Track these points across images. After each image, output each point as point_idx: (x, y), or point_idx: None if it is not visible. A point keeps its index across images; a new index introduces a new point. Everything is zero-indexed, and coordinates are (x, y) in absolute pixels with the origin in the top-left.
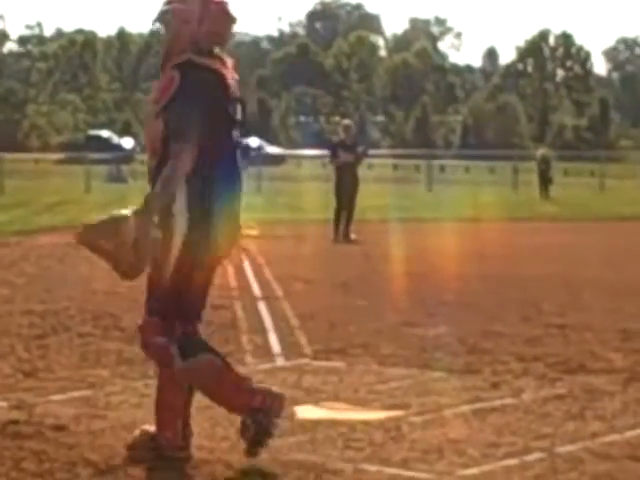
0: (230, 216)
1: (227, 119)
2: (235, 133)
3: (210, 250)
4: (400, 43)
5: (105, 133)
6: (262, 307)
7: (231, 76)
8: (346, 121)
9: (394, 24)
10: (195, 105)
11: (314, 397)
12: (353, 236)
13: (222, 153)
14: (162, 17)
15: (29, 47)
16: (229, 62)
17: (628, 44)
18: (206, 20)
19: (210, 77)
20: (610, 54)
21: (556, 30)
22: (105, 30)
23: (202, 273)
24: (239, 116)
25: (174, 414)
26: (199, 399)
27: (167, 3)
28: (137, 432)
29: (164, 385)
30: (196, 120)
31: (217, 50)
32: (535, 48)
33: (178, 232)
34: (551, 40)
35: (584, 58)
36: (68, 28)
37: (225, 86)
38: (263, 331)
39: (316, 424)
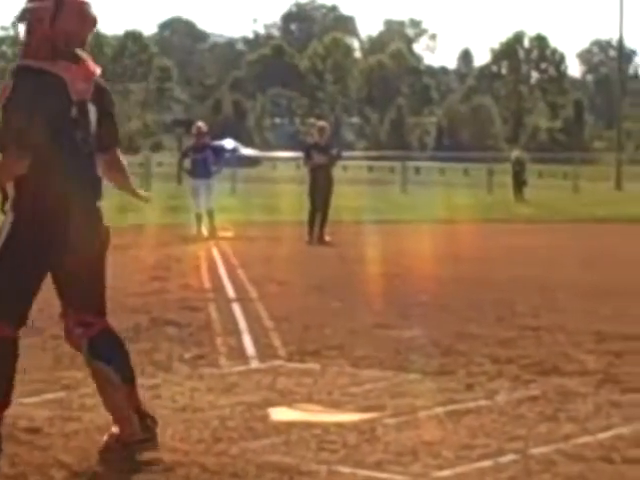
0: (74, 220)
1: (67, 122)
2: (80, 135)
3: (32, 253)
4: (375, 45)
5: None
6: (236, 309)
7: (82, 78)
8: (321, 123)
9: (369, 26)
10: (27, 111)
11: (288, 399)
12: (327, 238)
13: (60, 156)
14: (22, 16)
15: (3, 48)
16: (89, 63)
17: (602, 46)
18: (60, 19)
19: (47, 81)
20: (584, 56)
21: (531, 32)
22: None
23: (24, 277)
24: (92, 118)
25: (123, 410)
26: (174, 401)
27: (28, 1)
28: (106, 436)
29: (101, 386)
30: (27, 125)
31: (78, 51)
32: (510, 50)
33: (4, 230)
34: (526, 42)
35: (558, 60)
36: None
37: (65, 90)
38: (237, 333)
39: (290, 426)
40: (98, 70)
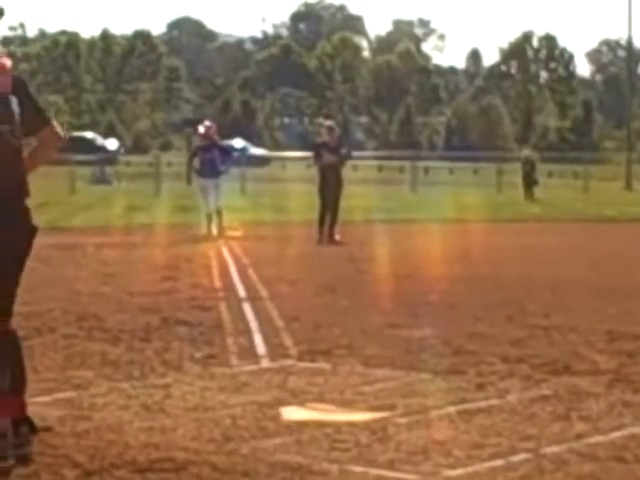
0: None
1: None
2: (6, 128)
3: None
4: (384, 44)
5: (89, 134)
6: (247, 308)
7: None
8: (329, 122)
9: (378, 25)
10: None
11: (299, 398)
12: (337, 237)
13: None
14: None
15: (12, 48)
16: (2, 58)
17: (611, 46)
18: None
19: None
20: (593, 56)
21: (539, 32)
22: (88, 31)
23: None
24: (15, 109)
25: None
26: (185, 401)
27: None
28: None
29: None
30: None
31: None
32: (518, 50)
33: None
34: (534, 42)
35: (567, 60)
36: (51, 29)
37: None
38: (248, 332)
39: (302, 425)
40: (9, 62)
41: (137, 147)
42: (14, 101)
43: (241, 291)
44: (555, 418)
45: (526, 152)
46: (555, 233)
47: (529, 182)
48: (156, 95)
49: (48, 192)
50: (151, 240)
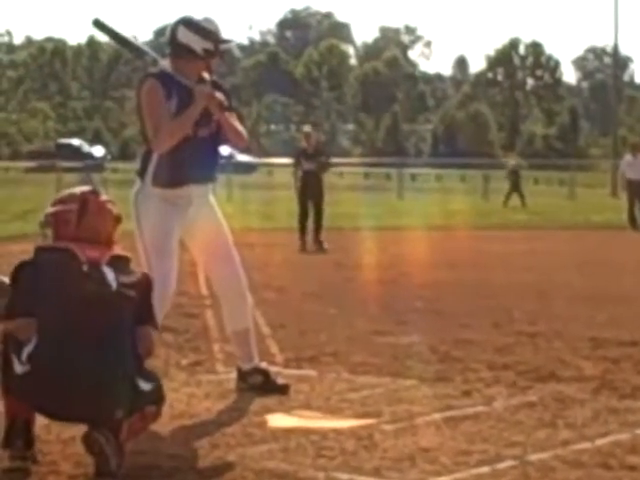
0: None
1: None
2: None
3: None
4: (370, 52)
5: (76, 141)
6: None
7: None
8: (306, 128)
9: (364, 33)
10: None
11: (286, 405)
12: (326, 245)
13: None
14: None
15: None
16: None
17: (597, 53)
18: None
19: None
20: (579, 63)
21: (526, 39)
22: (75, 38)
23: None
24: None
25: None
26: (172, 408)
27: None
28: None
29: None
30: None
31: None
32: (505, 57)
33: None
34: (521, 49)
35: (554, 67)
36: (38, 36)
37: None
38: None
39: (288, 432)
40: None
41: (124, 154)
42: (110, 275)
43: None
44: (541, 425)
45: (513, 161)
46: (541, 240)
47: (517, 190)
48: None
49: (35, 199)
50: (136, 247)
